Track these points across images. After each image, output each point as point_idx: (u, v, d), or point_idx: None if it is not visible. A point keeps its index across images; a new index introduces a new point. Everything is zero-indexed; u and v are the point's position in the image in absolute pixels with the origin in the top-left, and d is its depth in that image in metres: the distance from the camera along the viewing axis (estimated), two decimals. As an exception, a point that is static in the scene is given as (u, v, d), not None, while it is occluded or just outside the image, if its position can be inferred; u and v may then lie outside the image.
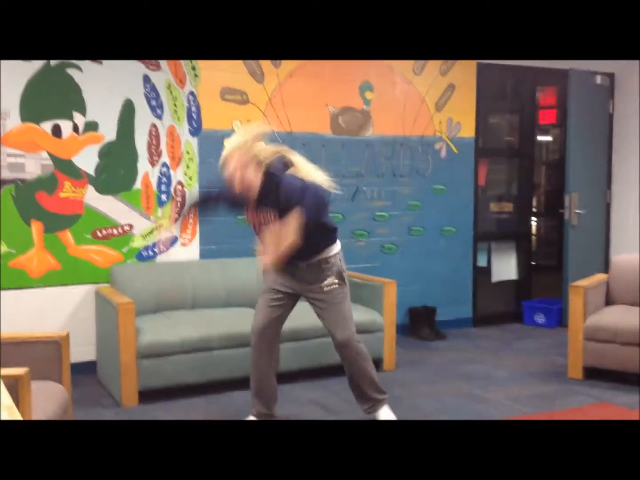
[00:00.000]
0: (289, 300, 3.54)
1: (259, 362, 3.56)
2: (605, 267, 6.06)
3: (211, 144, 4.93)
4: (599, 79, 6.23)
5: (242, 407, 3.99)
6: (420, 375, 4.67)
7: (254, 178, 3.21)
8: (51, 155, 4.46)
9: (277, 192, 3.20)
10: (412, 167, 5.77)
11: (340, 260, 3.47)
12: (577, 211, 6.07)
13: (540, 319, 6.20)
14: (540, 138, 7.15)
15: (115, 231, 4.67)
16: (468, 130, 6.00)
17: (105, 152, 4.61)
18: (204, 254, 4.98)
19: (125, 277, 4.53)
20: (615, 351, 4.38)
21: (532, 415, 3.72)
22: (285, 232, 3.10)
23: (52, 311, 4.51)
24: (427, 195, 5.86)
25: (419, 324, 5.70)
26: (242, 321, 4.40)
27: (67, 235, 4.54)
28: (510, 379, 4.60)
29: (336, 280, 3.42)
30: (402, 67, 5.65)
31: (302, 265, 3.40)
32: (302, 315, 4.58)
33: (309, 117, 5.28)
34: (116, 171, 4.65)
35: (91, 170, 4.58)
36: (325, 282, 3.41)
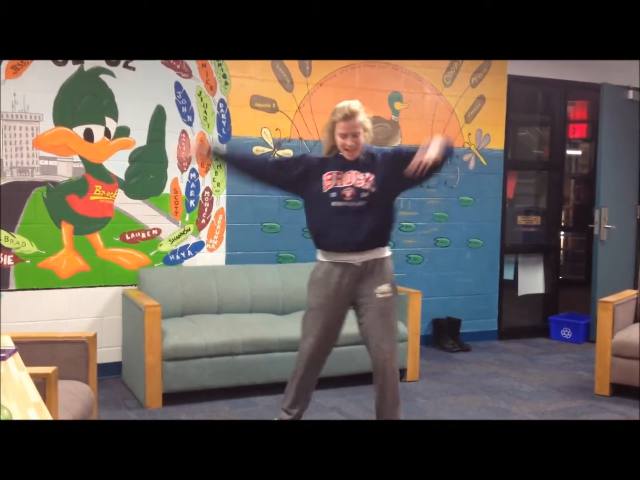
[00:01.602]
0: (339, 315, 3.29)
1: (305, 379, 3.42)
2: (634, 284, 5.96)
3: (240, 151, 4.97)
4: (630, 94, 6.16)
5: (264, 413, 4.00)
6: (443, 387, 4.63)
7: (362, 140, 3.14)
8: (83, 159, 4.53)
9: (377, 157, 3.18)
10: (440, 178, 5.75)
11: (391, 266, 3.28)
12: (607, 226, 6.00)
13: (567, 334, 6.12)
14: (570, 152, 7.08)
15: (143, 235, 4.72)
16: (497, 143, 5.97)
17: (136, 157, 4.67)
18: (230, 260, 5.01)
19: (152, 280, 4.57)
20: (644, 368, 4.31)
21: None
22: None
23: (80, 312, 4.57)
24: (455, 207, 5.84)
25: (443, 335, 5.67)
26: (267, 327, 4.42)
27: (97, 238, 4.60)
28: (536, 393, 4.55)
29: (390, 289, 3.20)
30: (432, 78, 5.65)
31: (357, 263, 3.15)
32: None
33: (337, 126, 5.29)
34: (146, 176, 4.71)
35: (121, 175, 4.64)
36: (380, 289, 3.17)
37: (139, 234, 4.71)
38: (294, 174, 3.24)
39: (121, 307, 4.65)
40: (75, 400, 2.89)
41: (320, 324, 3.26)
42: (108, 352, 4.59)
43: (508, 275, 6.27)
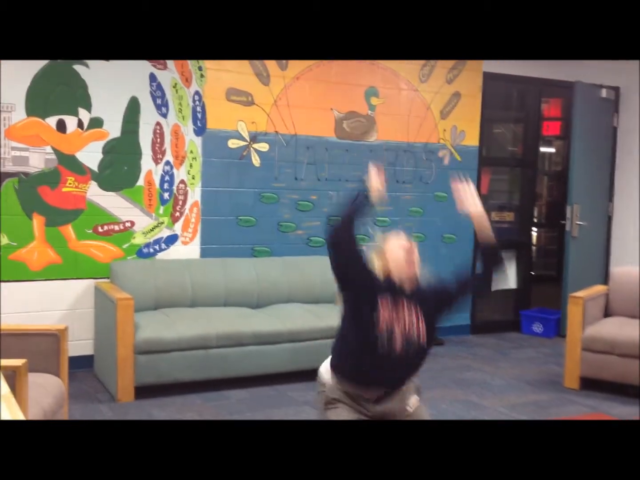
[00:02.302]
0: None
1: None
2: (605, 279, 6.06)
3: (215, 144, 4.95)
4: (604, 92, 6.24)
5: (236, 407, 4.00)
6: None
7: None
8: (55, 150, 4.48)
9: (426, 288, 2.62)
10: (415, 174, 5.79)
11: None
12: (579, 223, 6.08)
13: (538, 328, 6.20)
14: (543, 149, 7.16)
15: (116, 227, 4.68)
16: (472, 139, 6.02)
17: (109, 149, 4.63)
18: (204, 253, 4.99)
19: (125, 273, 4.53)
20: (613, 362, 4.39)
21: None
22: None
23: (51, 304, 4.52)
24: (429, 202, 5.87)
25: (417, 330, 5.70)
26: (241, 320, 4.42)
27: (69, 230, 4.55)
28: (507, 386, 4.60)
29: (417, 399, 2.71)
30: (408, 74, 5.67)
31: (379, 395, 2.56)
32: (300, 317, 4.60)
33: (313, 121, 5.30)
34: (119, 168, 4.67)
35: (94, 166, 4.60)
36: (410, 402, 2.66)
37: (112, 226, 4.67)
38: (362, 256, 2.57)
39: (93, 300, 4.60)
40: (45, 393, 2.87)
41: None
42: (80, 345, 4.55)
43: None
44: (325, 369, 2.68)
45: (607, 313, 4.92)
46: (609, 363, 4.40)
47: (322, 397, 2.65)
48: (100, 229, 4.63)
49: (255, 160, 5.12)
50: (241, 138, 5.05)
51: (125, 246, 4.72)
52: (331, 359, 2.67)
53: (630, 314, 4.80)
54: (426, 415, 2.78)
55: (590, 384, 4.52)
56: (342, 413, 2.56)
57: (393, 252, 2.57)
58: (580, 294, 4.68)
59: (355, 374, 2.56)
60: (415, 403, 2.70)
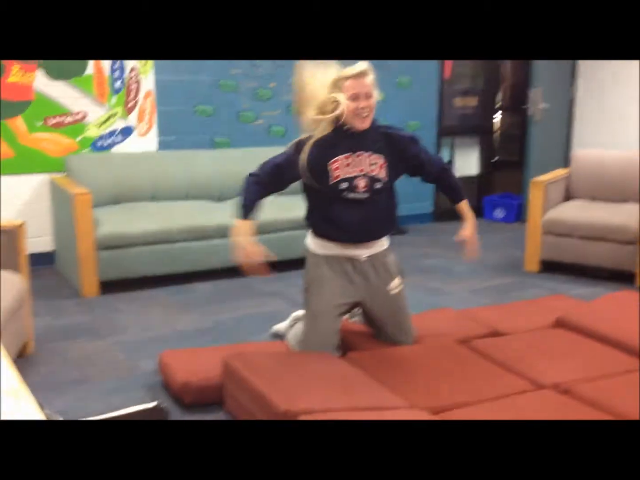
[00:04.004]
0: (341, 318, 2.87)
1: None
2: (566, 163, 6.10)
3: (168, 28, 4.69)
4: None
5: (202, 299, 4.01)
6: (380, 268, 4.72)
7: (374, 105, 2.65)
8: (-4, 36, 4.19)
9: (389, 136, 2.72)
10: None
11: (392, 255, 2.92)
12: (541, 106, 6.03)
13: (499, 214, 6.28)
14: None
15: (67, 119, 4.47)
16: (436, 20, 5.81)
17: (55, 35, 4.34)
18: (162, 145, 4.84)
19: (81, 167, 4.38)
20: (572, 245, 4.48)
21: (489, 307, 3.80)
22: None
23: (5, 201, 4.37)
24: (392, 88, 5.72)
25: (380, 218, 5.72)
26: (203, 214, 4.36)
27: (18, 123, 4.33)
28: (469, 272, 4.69)
29: (400, 281, 2.89)
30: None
31: (362, 259, 2.77)
32: (263, 209, 4.55)
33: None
34: (67, 55, 4.40)
35: (40, 54, 4.32)
36: (392, 284, 2.84)
37: (63, 117, 4.46)
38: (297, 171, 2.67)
39: (50, 195, 4.47)
40: (5, 290, 2.81)
41: (325, 329, 2.78)
42: (39, 241, 4.45)
43: (445, 157, 6.30)
44: (309, 239, 2.85)
45: (568, 196, 4.97)
46: (569, 246, 4.49)
47: (310, 266, 2.83)
48: (51, 121, 4.42)
49: (211, 46, 4.87)
50: (195, 21, 4.78)
51: (78, 139, 4.53)
52: (309, 228, 2.84)
53: (591, 196, 4.87)
54: (404, 304, 2.91)
55: (550, 267, 4.63)
56: (321, 293, 2.75)
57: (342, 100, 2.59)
58: (541, 178, 4.70)
59: (333, 229, 2.72)
60: (397, 285, 2.85)
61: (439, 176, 2.90)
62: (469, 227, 3.02)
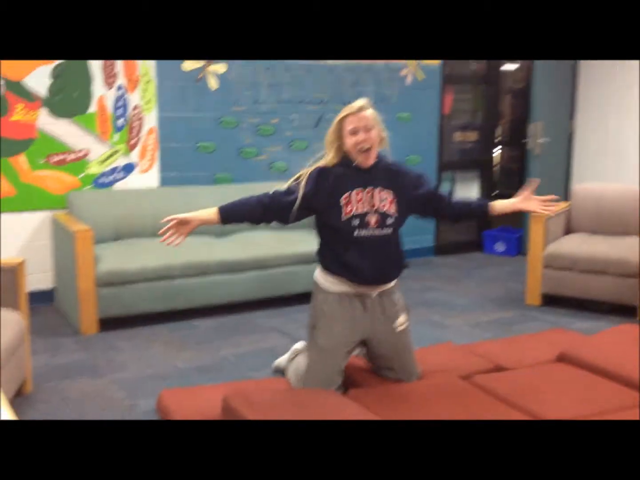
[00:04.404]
0: (349, 355, 2.86)
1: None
2: (565, 197, 6.12)
3: (169, 67, 4.75)
4: (567, 6, 6.11)
5: (204, 335, 3.99)
6: (382, 302, 4.70)
7: (377, 143, 2.69)
8: (1, 76, 4.24)
9: (400, 173, 2.77)
10: (377, 94, 5.66)
11: (399, 291, 2.92)
12: (541, 140, 6.07)
13: (500, 247, 6.28)
14: (505, 67, 7.06)
15: (70, 156, 4.51)
16: (434, 57, 5.88)
17: (58, 73, 4.40)
18: (164, 182, 4.86)
19: (83, 204, 4.40)
20: (573, 278, 4.47)
21: (490, 341, 3.78)
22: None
23: (6, 239, 4.38)
24: (392, 123, 5.69)
25: (381, 252, 5.72)
26: (204, 249, 4.36)
27: (21, 161, 4.37)
28: (470, 305, 4.67)
29: (406, 317, 2.89)
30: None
31: (373, 296, 2.76)
32: (265, 244, 4.56)
33: (271, 40, 5.10)
34: (70, 93, 4.46)
35: (44, 92, 4.38)
36: (398, 321, 2.83)
37: (65, 155, 4.49)
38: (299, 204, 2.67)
39: (51, 232, 4.48)
40: (4, 328, 2.80)
41: (332, 367, 2.76)
42: (39, 279, 4.46)
43: (445, 190, 6.32)
44: (318, 274, 2.81)
45: (568, 230, 4.98)
46: (570, 279, 4.48)
47: (318, 301, 2.79)
48: (53, 159, 4.46)
49: (212, 83, 4.94)
50: (196, 60, 4.85)
51: (80, 176, 4.56)
52: (320, 264, 2.81)
53: (591, 230, 4.87)
54: (410, 342, 2.90)
55: (552, 301, 4.62)
56: (330, 328, 2.73)
57: (345, 134, 2.67)
58: (542, 212, 4.70)
59: (346, 272, 2.69)
60: (403, 322, 2.84)
61: (453, 204, 2.90)
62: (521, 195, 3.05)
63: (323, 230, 2.77)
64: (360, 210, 2.65)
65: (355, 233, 2.65)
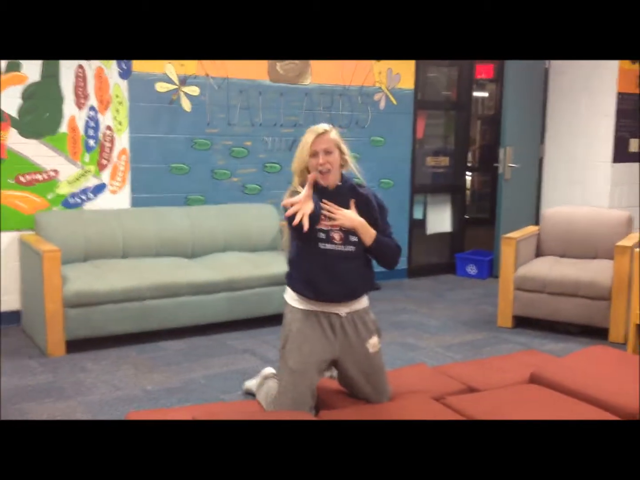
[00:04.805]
0: (321, 374, 2.85)
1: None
2: (536, 220, 6.20)
3: (142, 88, 4.74)
4: (536, 34, 6.24)
5: (174, 358, 3.93)
6: (354, 325, 4.69)
7: (338, 165, 2.73)
8: (-31, 95, 4.20)
9: (364, 196, 2.79)
10: (351, 118, 5.71)
11: (371, 313, 2.91)
12: (511, 165, 6.16)
13: (472, 270, 6.32)
14: (477, 93, 7.17)
15: (39, 177, 4.45)
16: (407, 82, 5.96)
17: (29, 94, 4.36)
18: (135, 202, 4.82)
19: (51, 224, 4.34)
20: (544, 301, 4.50)
21: (462, 362, 3.78)
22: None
23: (-28, 260, 4.30)
24: (366, 147, 5.81)
25: (354, 275, 5.72)
26: (174, 271, 4.32)
27: (-12, 180, 4.30)
28: (442, 327, 4.68)
29: (378, 338, 2.88)
30: (342, 14, 5.53)
31: (342, 315, 2.77)
32: (236, 265, 4.53)
33: (245, 63, 5.12)
34: (41, 114, 4.41)
35: (14, 113, 4.33)
36: (371, 343, 2.83)
37: (35, 175, 4.44)
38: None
39: (18, 253, 4.40)
40: (-33, 351, 2.73)
41: (303, 388, 2.73)
42: (6, 300, 4.37)
43: (417, 214, 6.37)
44: (287, 293, 2.84)
45: (539, 253, 5.03)
46: (541, 301, 4.52)
47: (288, 320, 2.80)
48: (22, 179, 4.40)
49: (186, 105, 4.93)
50: (170, 81, 4.84)
51: (50, 196, 4.50)
52: (287, 282, 2.84)
53: (561, 253, 4.93)
54: (381, 363, 2.90)
55: (523, 323, 4.64)
56: (299, 349, 2.71)
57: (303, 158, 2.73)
58: (512, 235, 4.76)
59: (311, 289, 2.73)
60: (375, 344, 2.84)
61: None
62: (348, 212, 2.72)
63: (292, 245, 2.81)
64: (324, 226, 2.69)
65: (321, 245, 2.70)
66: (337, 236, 2.71)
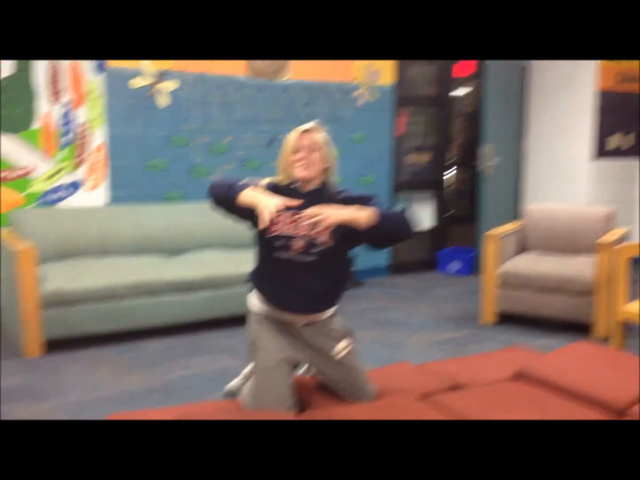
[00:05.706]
0: (290, 372, 2.70)
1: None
2: (515, 216, 6.20)
3: (117, 83, 4.64)
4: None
5: (152, 358, 3.85)
6: (336, 323, 4.64)
7: (320, 168, 2.58)
8: (-61, 89, 4.08)
9: (343, 201, 2.57)
10: (331, 114, 5.65)
11: (339, 319, 2.76)
12: (491, 162, 6.15)
13: (454, 267, 6.30)
14: (456, 92, 7.16)
15: (13, 173, 4.34)
16: (387, 78, 5.92)
17: (2, 88, 4.25)
18: (114, 200, 4.72)
19: (26, 222, 4.24)
20: (527, 297, 4.49)
21: (447, 360, 3.74)
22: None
23: (-56, 259, 4.18)
24: (346, 144, 5.76)
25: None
26: (153, 269, 4.24)
27: (-40, 178, 4.19)
28: (425, 325, 4.64)
29: (347, 342, 2.71)
30: (321, 10, 5.48)
31: (300, 327, 2.65)
32: (215, 264, 4.46)
33: (224, 58, 5.05)
34: (13, 109, 4.30)
35: (-15, 108, 4.22)
36: (336, 350, 2.68)
37: (7, 172, 4.33)
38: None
39: (-8, 252, 4.29)
40: (-63, 352, 2.63)
41: (276, 388, 2.61)
42: (-21, 301, 4.25)
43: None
44: (251, 297, 2.73)
45: (521, 249, 5.01)
46: (524, 297, 4.50)
47: (252, 322, 2.71)
48: (-5, 176, 4.29)
49: (163, 101, 4.85)
50: (145, 76, 4.75)
51: (24, 194, 4.39)
52: (252, 287, 2.72)
53: (544, 249, 4.92)
54: (355, 364, 2.76)
55: (507, 319, 4.63)
56: (266, 352, 2.62)
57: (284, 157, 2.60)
58: (495, 231, 4.73)
59: (269, 296, 2.63)
60: (343, 347, 2.69)
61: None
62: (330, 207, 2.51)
63: (257, 249, 2.68)
64: (285, 232, 2.52)
65: (275, 254, 2.54)
66: (297, 245, 2.52)
